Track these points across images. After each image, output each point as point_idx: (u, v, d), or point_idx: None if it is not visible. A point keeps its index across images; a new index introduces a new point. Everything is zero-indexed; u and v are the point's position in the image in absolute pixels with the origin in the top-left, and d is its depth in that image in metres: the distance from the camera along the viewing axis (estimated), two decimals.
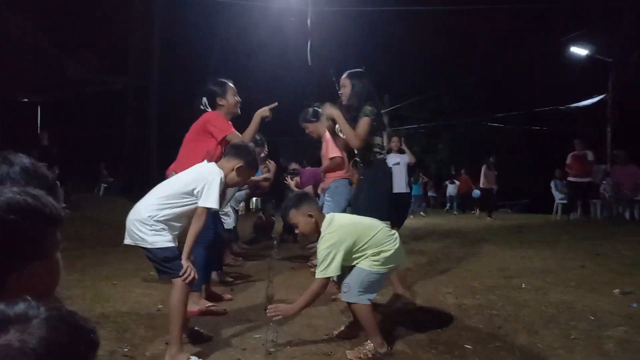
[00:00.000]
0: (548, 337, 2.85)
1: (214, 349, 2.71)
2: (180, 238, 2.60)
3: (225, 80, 3.70)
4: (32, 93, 13.40)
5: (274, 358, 2.59)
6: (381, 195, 3.50)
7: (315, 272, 2.65)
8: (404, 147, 7.68)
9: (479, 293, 3.83)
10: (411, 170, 7.77)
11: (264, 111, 3.73)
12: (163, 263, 2.47)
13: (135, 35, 15.98)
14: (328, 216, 2.77)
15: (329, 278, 2.61)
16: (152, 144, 15.77)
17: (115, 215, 7.24)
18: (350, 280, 2.62)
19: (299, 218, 2.71)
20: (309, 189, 5.83)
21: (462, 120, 21.54)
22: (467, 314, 3.32)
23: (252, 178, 4.61)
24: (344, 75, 3.63)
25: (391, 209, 3.57)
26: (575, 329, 2.95)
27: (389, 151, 7.52)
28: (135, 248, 2.55)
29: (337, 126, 3.72)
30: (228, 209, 5.56)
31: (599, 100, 15.00)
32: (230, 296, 3.93)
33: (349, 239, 2.61)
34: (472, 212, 15.96)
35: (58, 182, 1.32)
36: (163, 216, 2.49)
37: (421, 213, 14.37)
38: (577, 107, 15.76)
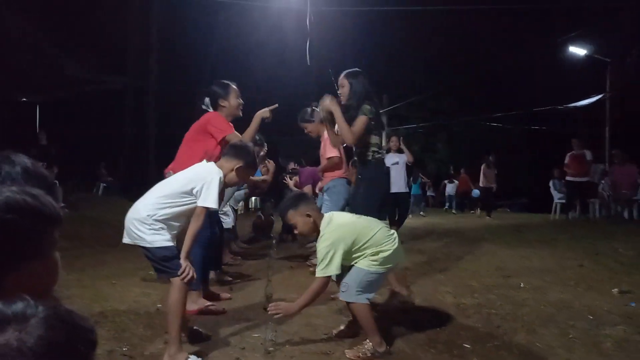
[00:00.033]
0: (546, 336, 2.86)
1: (213, 348, 2.71)
2: (179, 237, 2.60)
3: (229, 83, 3.72)
4: (31, 93, 13.35)
5: (273, 357, 2.59)
6: (378, 195, 3.50)
7: (313, 272, 2.65)
8: (402, 146, 7.69)
9: (478, 292, 3.83)
10: (410, 169, 7.78)
11: (264, 112, 3.75)
12: (162, 262, 2.48)
13: (134, 35, 15.97)
14: (327, 215, 2.77)
15: (329, 277, 2.62)
16: (151, 143, 15.81)
17: (114, 214, 7.24)
18: (349, 279, 2.63)
19: (297, 218, 2.72)
20: (307, 188, 5.84)
21: (461, 120, 21.54)
22: (465, 313, 3.33)
23: (252, 178, 4.62)
24: (342, 75, 3.64)
25: (390, 209, 3.58)
26: (573, 328, 2.96)
27: (388, 151, 7.53)
28: (134, 247, 2.55)
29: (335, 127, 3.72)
30: (227, 208, 5.57)
31: (597, 100, 15.03)
32: (229, 295, 3.93)
33: (348, 237, 2.62)
34: (472, 211, 15.97)
35: (57, 182, 1.32)
36: (162, 215, 2.49)
37: (420, 212, 14.38)
38: (576, 106, 15.78)
